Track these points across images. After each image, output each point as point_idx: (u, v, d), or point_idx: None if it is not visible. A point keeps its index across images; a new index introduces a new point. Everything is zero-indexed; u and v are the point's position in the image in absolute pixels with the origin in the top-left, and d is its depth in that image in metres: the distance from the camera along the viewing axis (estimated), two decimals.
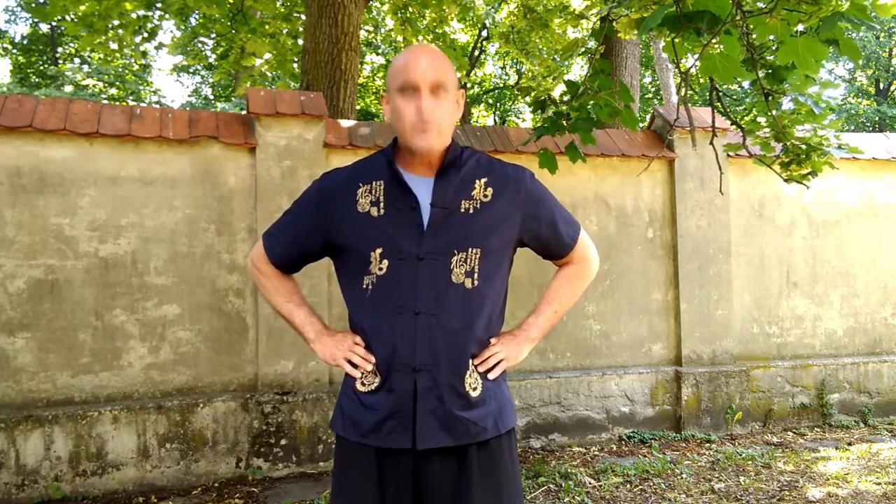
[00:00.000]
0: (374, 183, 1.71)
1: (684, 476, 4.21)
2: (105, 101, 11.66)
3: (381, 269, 1.66)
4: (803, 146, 3.76)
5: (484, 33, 15.68)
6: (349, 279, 1.74)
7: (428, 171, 1.72)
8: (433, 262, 1.64)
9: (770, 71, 3.26)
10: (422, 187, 1.70)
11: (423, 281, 1.63)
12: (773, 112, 3.49)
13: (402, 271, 1.64)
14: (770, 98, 3.35)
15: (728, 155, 5.15)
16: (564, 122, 3.65)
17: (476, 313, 1.66)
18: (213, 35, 9.94)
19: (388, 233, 1.66)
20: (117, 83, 18.53)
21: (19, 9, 20.23)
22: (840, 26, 2.20)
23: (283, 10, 9.06)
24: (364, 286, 1.68)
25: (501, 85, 21.15)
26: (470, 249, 1.66)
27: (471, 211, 1.69)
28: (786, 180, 4.02)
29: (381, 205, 1.69)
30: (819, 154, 3.72)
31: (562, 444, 4.93)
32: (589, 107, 3.61)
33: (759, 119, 4.10)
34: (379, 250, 1.66)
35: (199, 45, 11.26)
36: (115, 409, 4.07)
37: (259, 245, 1.88)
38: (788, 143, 3.76)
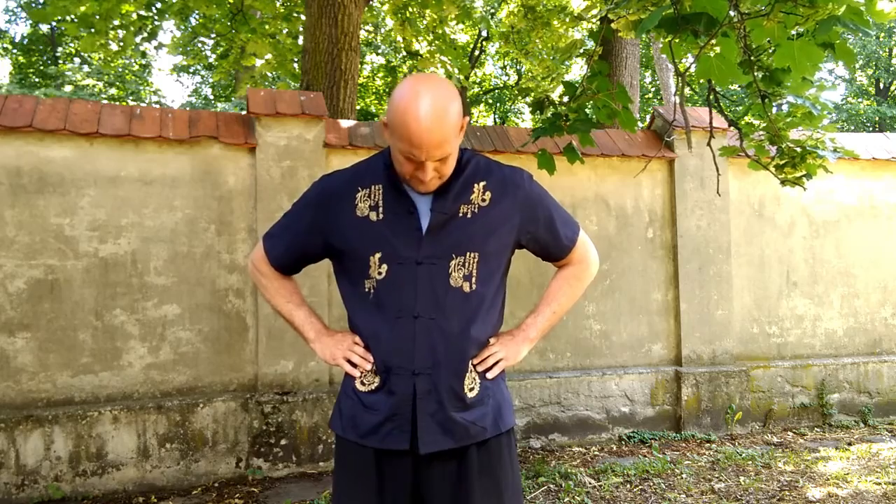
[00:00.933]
0: (372, 187, 1.72)
1: (684, 476, 4.22)
2: (105, 101, 11.66)
3: (380, 273, 1.66)
4: (798, 149, 3.77)
5: (484, 33, 15.68)
6: (349, 283, 1.74)
7: None
8: (431, 266, 1.65)
9: (767, 73, 3.26)
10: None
11: (422, 285, 1.64)
12: (770, 114, 3.50)
13: (401, 275, 1.65)
14: (766, 100, 3.35)
15: (734, 155, 5.14)
16: (563, 124, 3.65)
17: (475, 316, 1.67)
18: (213, 35, 9.93)
19: (387, 237, 1.67)
20: (117, 83, 18.54)
21: (19, 9, 20.25)
22: (836, 30, 2.20)
23: (283, 10, 9.06)
24: (364, 290, 1.68)
25: (501, 85, 21.14)
26: (468, 254, 1.67)
27: (469, 216, 1.69)
28: (781, 183, 4.03)
29: (380, 209, 1.69)
30: (814, 157, 3.73)
31: (562, 444, 4.94)
32: (588, 108, 3.61)
33: (754, 122, 4.10)
34: (378, 255, 1.66)
35: (199, 45, 11.26)
36: (115, 409, 4.07)
37: (259, 247, 1.89)
38: (783, 146, 3.77)
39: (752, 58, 3.10)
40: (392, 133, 1.58)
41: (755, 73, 3.14)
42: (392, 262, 1.66)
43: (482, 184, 1.74)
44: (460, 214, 1.69)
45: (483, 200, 1.72)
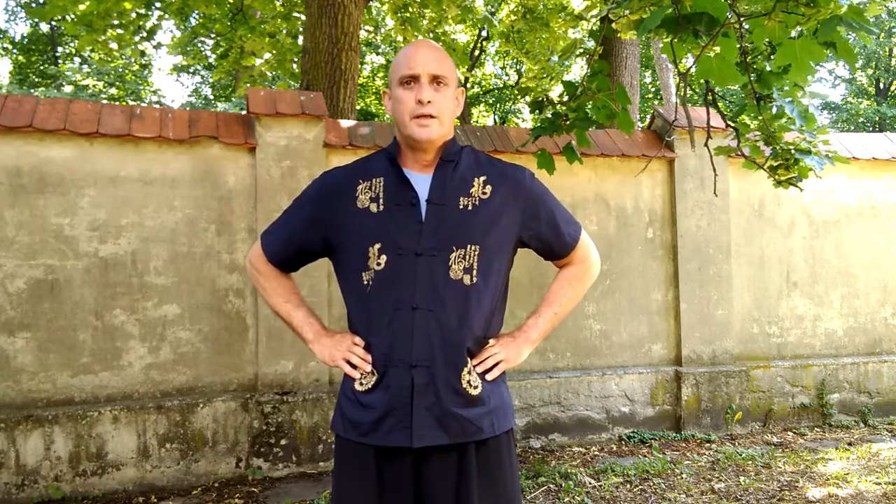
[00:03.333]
0: (374, 180, 1.73)
1: (684, 476, 4.22)
2: (105, 101, 11.67)
3: (379, 264, 1.66)
4: (792, 150, 3.77)
5: (484, 33, 15.68)
6: (348, 276, 1.74)
7: (428, 167, 1.73)
8: (431, 258, 1.64)
9: (759, 76, 3.25)
10: (422, 184, 1.71)
11: (422, 277, 1.63)
12: (764, 116, 3.50)
13: (401, 267, 1.64)
14: (762, 102, 3.35)
15: (729, 155, 5.15)
16: (562, 123, 3.65)
17: (474, 310, 1.66)
18: (213, 35, 9.94)
19: (387, 228, 1.67)
20: (117, 83, 18.52)
21: (19, 9, 20.24)
22: (838, 30, 2.20)
23: (282, 9, 9.06)
24: (363, 282, 1.68)
25: (501, 85, 21.13)
26: (469, 246, 1.67)
27: (469, 208, 1.69)
28: (775, 184, 4.04)
29: (381, 201, 1.70)
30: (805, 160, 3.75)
31: (562, 444, 4.93)
32: (587, 108, 3.60)
33: (747, 122, 4.11)
34: (377, 245, 1.66)
35: (199, 45, 11.26)
36: (115, 409, 4.07)
37: (257, 244, 1.88)
38: (777, 148, 3.78)
39: (747, 59, 3.10)
40: (391, 75, 1.72)
41: (750, 76, 3.14)
42: (391, 254, 1.65)
43: (482, 178, 1.74)
44: (460, 207, 1.69)
45: (484, 194, 1.72)
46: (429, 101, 1.65)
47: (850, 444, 4.93)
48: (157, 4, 8.48)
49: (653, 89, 21.08)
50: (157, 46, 9.75)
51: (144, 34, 8.66)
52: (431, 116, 1.66)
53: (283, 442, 4.35)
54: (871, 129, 22.81)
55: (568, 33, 9.60)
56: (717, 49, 2.51)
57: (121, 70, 18.19)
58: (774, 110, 3.44)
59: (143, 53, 9.32)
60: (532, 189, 1.78)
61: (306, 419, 4.39)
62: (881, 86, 24.24)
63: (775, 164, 3.98)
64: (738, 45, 2.97)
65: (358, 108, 17.52)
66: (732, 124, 4.02)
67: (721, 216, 5.34)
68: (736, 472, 4.28)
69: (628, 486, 4.08)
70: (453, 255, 1.65)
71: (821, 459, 4.54)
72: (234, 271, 4.44)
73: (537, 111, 3.89)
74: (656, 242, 5.31)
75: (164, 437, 4.15)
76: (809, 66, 2.26)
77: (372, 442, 1.64)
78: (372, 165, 1.77)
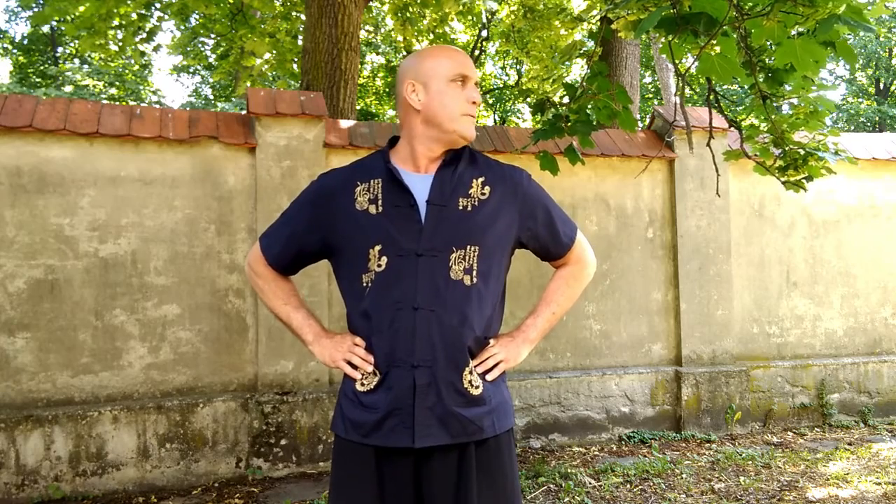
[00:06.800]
0: (371, 181, 1.73)
1: (684, 476, 4.22)
2: (105, 101, 11.66)
3: (379, 265, 1.66)
4: (801, 151, 3.76)
5: (484, 33, 15.67)
6: (348, 278, 1.74)
7: (430, 167, 1.74)
8: (432, 258, 1.65)
9: (769, 74, 3.25)
10: (419, 184, 1.71)
11: (423, 277, 1.64)
12: (772, 116, 3.48)
13: (401, 268, 1.65)
14: (767, 101, 3.34)
15: (737, 159, 5.14)
16: (563, 125, 3.64)
17: (475, 310, 1.67)
18: (213, 35, 9.94)
19: (387, 230, 1.67)
20: (117, 83, 18.51)
21: (20, 9, 20.25)
22: (836, 29, 2.20)
23: (282, 9, 9.06)
24: (364, 284, 1.68)
25: (501, 85, 21.13)
26: (468, 247, 1.67)
27: (468, 209, 1.70)
28: (784, 185, 4.02)
29: (379, 202, 1.70)
30: (816, 159, 3.72)
31: (562, 444, 4.93)
32: (588, 109, 3.60)
33: (756, 122, 4.08)
34: (378, 247, 1.67)
35: (199, 45, 11.26)
36: (115, 409, 4.07)
37: (255, 247, 1.88)
38: (786, 148, 3.76)
39: (752, 58, 3.09)
40: (434, 72, 1.71)
41: (757, 75, 3.13)
42: (392, 255, 1.66)
43: (480, 179, 1.75)
44: (459, 207, 1.70)
45: (482, 195, 1.73)
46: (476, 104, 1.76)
47: (850, 444, 4.93)
48: (157, 5, 8.48)
49: (653, 89, 21.08)
50: (157, 48, 9.75)
51: (144, 35, 8.66)
52: (474, 117, 1.75)
53: (283, 442, 4.35)
54: (871, 129, 22.79)
55: (568, 33, 9.60)
56: (718, 49, 2.50)
57: (121, 70, 18.19)
58: (786, 109, 3.41)
59: (143, 54, 9.32)
60: (529, 190, 1.79)
61: (306, 419, 4.39)
62: (881, 86, 24.22)
63: (784, 164, 3.96)
64: (742, 45, 2.97)
65: (358, 108, 17.51)
66: (736, 125, 4.00)
67: (721, 216, 5.34)
68: (736, 472, 4.28)
69: (628, 486, 4.08)
70: (453, 255, 1.66)
71: (821, 459, 4.54)
72: (234, 271, 4.44)
73: (539, 113, 3.88)
74: (656, 242, 5.31)
75: (164, 437, 4.15)
76: (812, 65, 2.26)
77: (374, 442, 1.64)
78: (369, 167, 1.77)
